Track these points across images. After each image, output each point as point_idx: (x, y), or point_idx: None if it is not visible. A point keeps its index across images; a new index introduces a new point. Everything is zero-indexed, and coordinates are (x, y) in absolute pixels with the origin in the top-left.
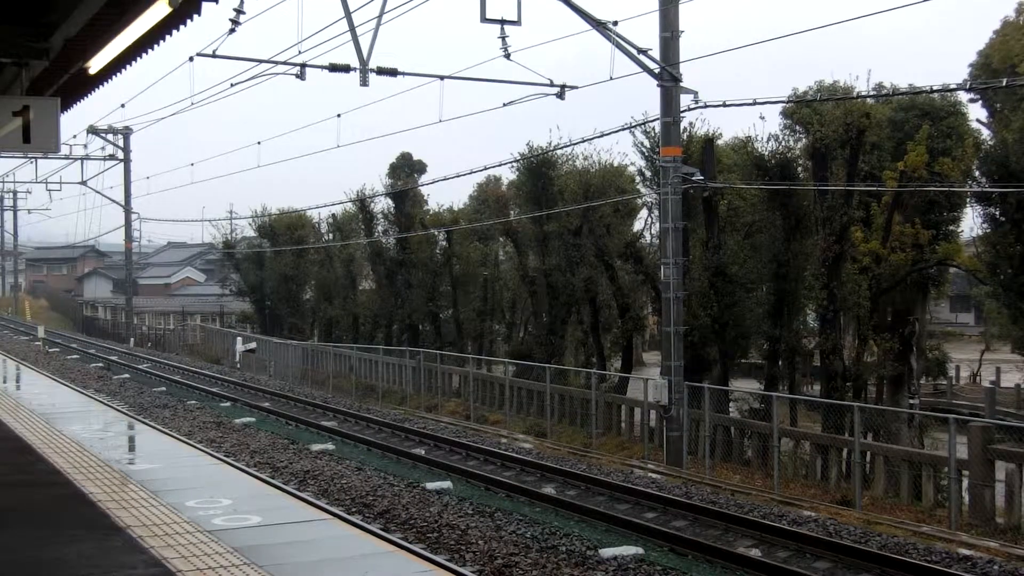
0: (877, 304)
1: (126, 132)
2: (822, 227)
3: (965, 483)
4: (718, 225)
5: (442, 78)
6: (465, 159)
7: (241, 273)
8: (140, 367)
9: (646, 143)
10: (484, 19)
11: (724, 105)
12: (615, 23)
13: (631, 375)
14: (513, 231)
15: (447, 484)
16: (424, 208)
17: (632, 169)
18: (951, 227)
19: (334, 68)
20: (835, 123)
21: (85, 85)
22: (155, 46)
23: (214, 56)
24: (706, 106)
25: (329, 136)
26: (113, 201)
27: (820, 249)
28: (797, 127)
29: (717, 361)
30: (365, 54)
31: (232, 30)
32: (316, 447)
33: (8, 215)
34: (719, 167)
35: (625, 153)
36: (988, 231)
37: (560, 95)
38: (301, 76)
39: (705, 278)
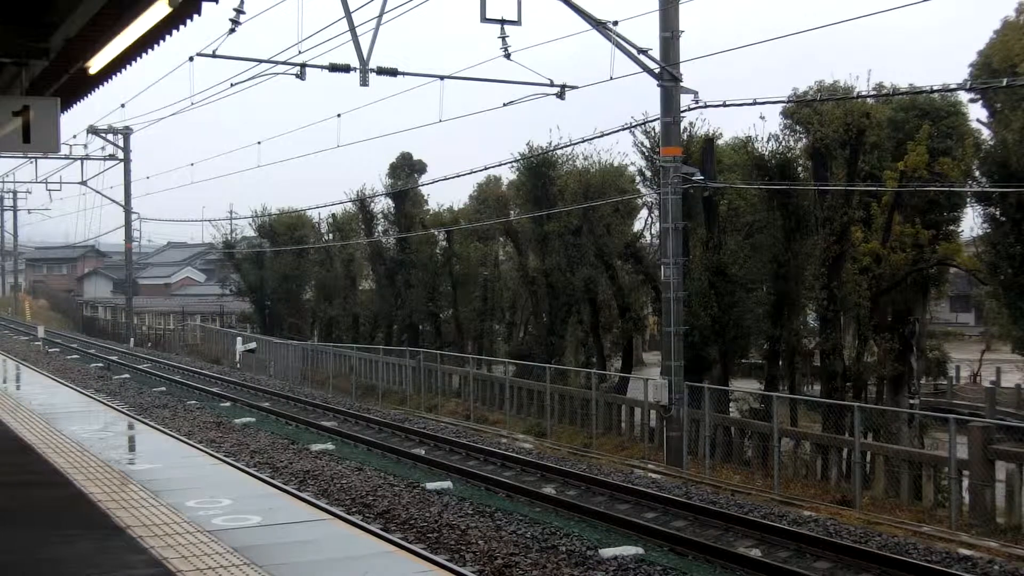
0: (877, 304)
1: (126, 132)
2: (822, 227)
3: (965, 483)
4: (718, 225)
5: (442, 78)
6: (465, 159)
7: (241, 273)
8: (140, 367)
9: (646, 143)
10: (484, 19)
11: (724, 105)
12: (615, 23)
13: (631, 375)
14: (513, 231)
15: (447, 484)
16: (424, 208)
17: (632, 169)
18: (951, 227)
19: (334, 68)
20: (835, 123)
21: (85, 85)
22: (155, 46)
23: (214, 56)
24: (706, 106)
25: (329, 136)
26: (113, 201)
27: (820, 249)
28: (797, 127)
29: (717, 361)
30: (365, 54)
31: (232, 30)
32: (316, 447)
33: (8, 215)
34: (719, 167)
35: (625, 153)
36: (988, 231)
37: (560, 95)
38: (301, 76)
39: (705, 278)
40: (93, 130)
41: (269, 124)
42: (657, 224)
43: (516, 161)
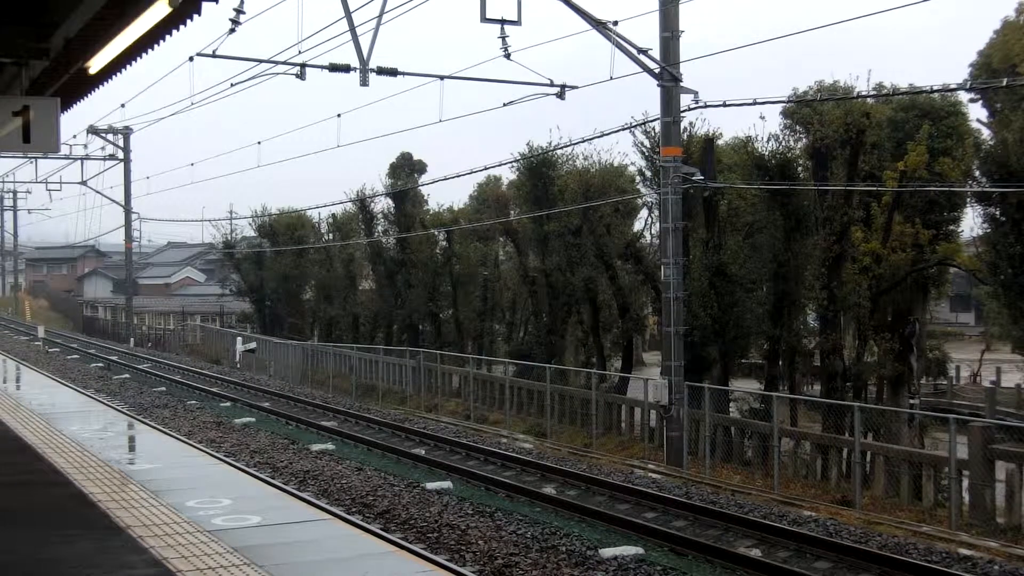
0: (877, 304)
1: (126, 132)
2: (822, 227)
3: (965, 483)
4: (718, 225)
5: (442, 78)
6: (465, 159)
7: (241, 273)
8: (140, 367)
9: (646, 143)
10: (484, 19)
11: (724, 105)
12: (615, 23)
13: (631, 375)
14: (513, 231)
15: (447, 484)
16: (424, 208)
17: (632, 169)
18: (951, 227)
19: (334, 68)
20: (835, 123)
21: (85, 85)
22: (155, 46)
23: (214, 56)
24: (706, 106)
25: (329, 136)
26: (113, 201)
27: (820, 249)
28: (797, 127)
29: (717, 361)
30: (365, 54)
31: (232, 30)
32: (316, 447)
33: (8, 215)
34: (719, 167)
35: (625, 153)
36: (988, 231)
37: (560, 95)
38: (301, 76)
39: (705, 278)
40: (93, 130)
41: (269, 123)
42: (657, 224)
43: (516, 161)
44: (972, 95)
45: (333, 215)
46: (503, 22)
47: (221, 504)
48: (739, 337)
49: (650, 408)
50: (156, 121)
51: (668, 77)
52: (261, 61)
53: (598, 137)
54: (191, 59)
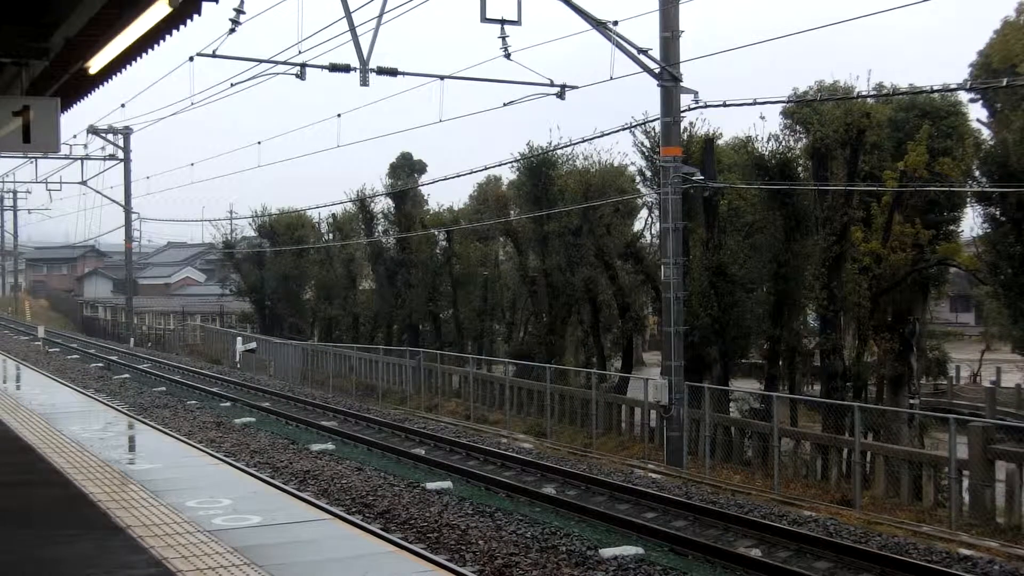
0: (877, 304)
1: (126, 132)
2: (822, 227)
3: (965, 483)
4: (718, 225)
5: (442, 78)
6: (465, 159)
7: (241, 273)
8: (140, 367)
9: (646, 143)
10: (484, 19)
11: (724, 105)
12: (615, 23)
13: (631, 375)
14: (513, 231)
15: (447, 484)
16: (424, 208)
17: (632, 169)
18: (951, 227)
19: (334, 68)
20: (835, 123)
21: (85, 85)
22: (155, 46)
23: (214, 56)
24: (706, 106)
25: (329, 136)
26: (113, 201)
27: (820, 249)
28: (797, 127)
29: (717, 361)
30: (365, 54)
31: (232, 30)
32: (316, 447)
33: (8, 215)
34: (719, 167)
35: (625, 153)
36: (988, 231)
37: (560, 95)
38: (301, 76)
39: (705, 278)
40: (93, 130)
41: (270, 123)
42: (657, 224)
43: (516, 161)
44: (972, 95)
45: (333, 215)
46: (503, 22)
47: (221, 504)
48: (739, 337)
49: (650, 408)
50: (156, 121)
51: (668, 77)
52: (261, 61)
53: (598, 137)
54: (191, 59)
